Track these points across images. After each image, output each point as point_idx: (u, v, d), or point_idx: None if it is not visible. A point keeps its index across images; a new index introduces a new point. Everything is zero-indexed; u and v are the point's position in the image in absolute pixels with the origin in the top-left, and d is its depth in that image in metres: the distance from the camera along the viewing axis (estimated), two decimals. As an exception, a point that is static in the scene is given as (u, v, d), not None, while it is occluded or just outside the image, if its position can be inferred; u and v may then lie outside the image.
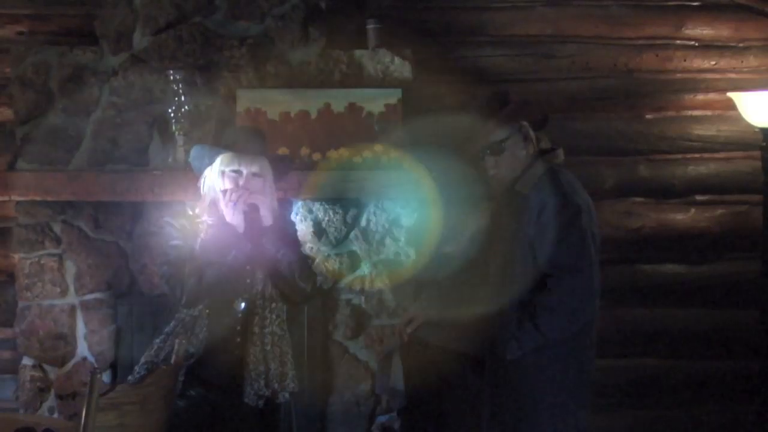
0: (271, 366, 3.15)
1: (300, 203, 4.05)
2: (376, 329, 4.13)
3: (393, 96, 4.09)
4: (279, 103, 4.08)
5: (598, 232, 3.39)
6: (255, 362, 3.13)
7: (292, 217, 3.94)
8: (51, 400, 4.11)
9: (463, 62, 4.37)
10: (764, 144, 4.12)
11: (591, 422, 3.46)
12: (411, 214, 4.08)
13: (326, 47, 4.16)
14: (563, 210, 3.27)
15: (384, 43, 4.16)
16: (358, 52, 4.16)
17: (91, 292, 4.13)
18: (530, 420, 3.35)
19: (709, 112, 4.43)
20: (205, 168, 3.20)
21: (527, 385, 3.34)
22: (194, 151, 3.27)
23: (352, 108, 4.08)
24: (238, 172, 3.13)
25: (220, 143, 3.28)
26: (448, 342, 3.68)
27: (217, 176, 3.15)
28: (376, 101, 4.09)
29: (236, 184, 3.12)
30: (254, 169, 3.13)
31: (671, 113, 4.43)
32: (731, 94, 4.20)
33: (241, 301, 3.14)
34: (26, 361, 4.15)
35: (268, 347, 3.14)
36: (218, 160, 3.16)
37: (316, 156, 4.03)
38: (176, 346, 3.00)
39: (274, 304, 3.21)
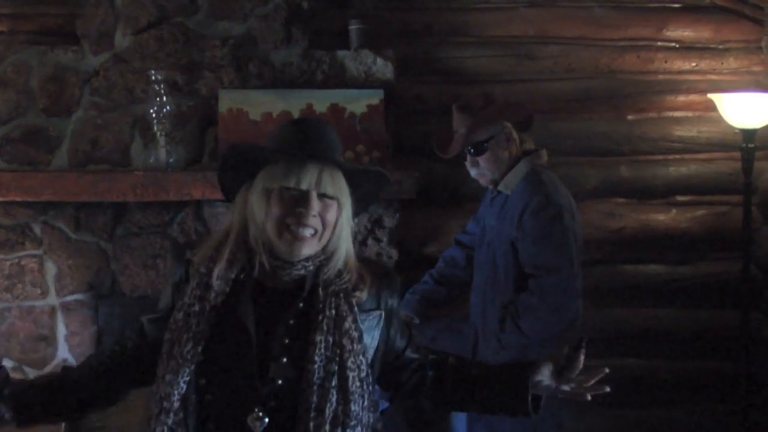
0: None
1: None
2: (359, 330, 4.11)
3: (375, 97, 4.08)
4: (261, 104, 4.07)
5: (581, 233, 3.39)
6: None
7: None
8: (31, 402, 4.08)
9: (445, 63, 4.37)
10: (744, 145, 4.14)
11: (573, 422, 3.47)
12: (393, 214, 4.07)
13: (308, 48, 4.15)
14: (545, 209, 3.28)
15: (366, 43, 4.16)
16: (340, 53, 4.15)
17: (72, 293, 4.10)
18: (512, 418, 3.36)
19: (690, 113, 4.44)
20: (237, 188, 2.01)
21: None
22: (224, 157, 2.02)
23: (335, 109, 4.07)
24: (297, 190, 1.93)
25: (269, 144, 2.03)
26: (431, 342, 3.68)
27: (258, 197, 1.96)
28: (358, 102, 4.08)
29: (293, 209, 1.92)
30: (326, 188, 1.94)
31: (653, 114, 4.44)
32: (712, 96, 4.22)
33: (261, 416, 1.98)
34: (6, 363, 4.08)
35: None
36: (261, 174, 1.97)
37: (299, 156, 4.03)
38: None
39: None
